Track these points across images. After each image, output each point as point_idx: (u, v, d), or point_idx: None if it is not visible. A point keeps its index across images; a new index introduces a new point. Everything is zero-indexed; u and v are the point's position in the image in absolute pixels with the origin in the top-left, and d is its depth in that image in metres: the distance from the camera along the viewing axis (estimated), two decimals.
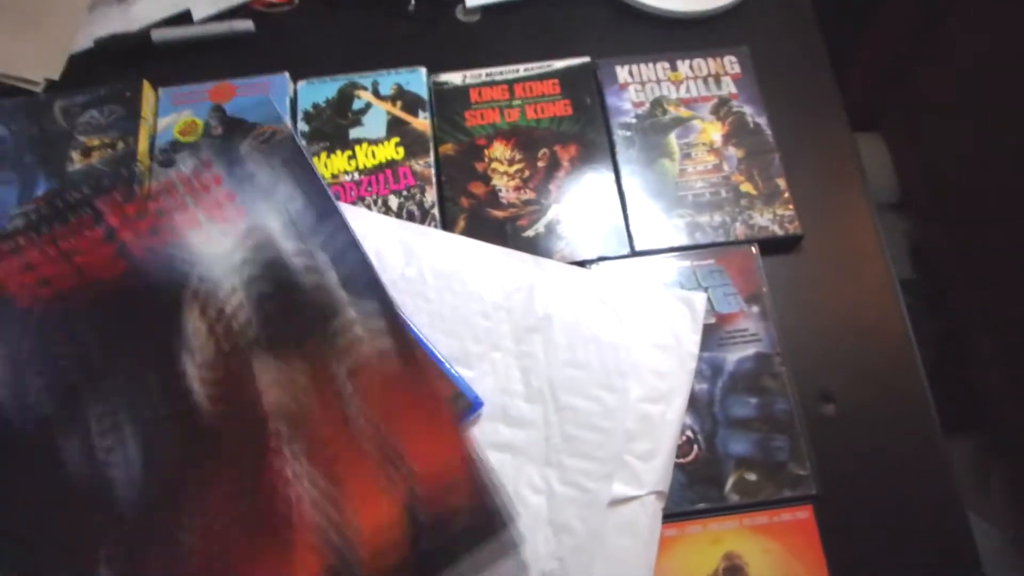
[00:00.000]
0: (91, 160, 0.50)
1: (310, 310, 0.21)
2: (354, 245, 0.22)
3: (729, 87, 0.55)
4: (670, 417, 0.44)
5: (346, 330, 0.21)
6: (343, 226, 0.22)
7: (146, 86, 0.53)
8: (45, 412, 0.19)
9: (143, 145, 0.51)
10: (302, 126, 0.52)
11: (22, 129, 0.52)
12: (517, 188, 0.51)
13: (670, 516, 0.43)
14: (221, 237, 0.21)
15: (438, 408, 0.22)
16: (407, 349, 0.22)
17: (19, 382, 0.20)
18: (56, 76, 0.56)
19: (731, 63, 0.56)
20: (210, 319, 0.21)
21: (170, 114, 0.52)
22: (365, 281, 0.21)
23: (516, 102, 0.53)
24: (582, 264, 0.48)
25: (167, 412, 0.20)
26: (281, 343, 0.21)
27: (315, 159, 0.51)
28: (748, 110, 0.54)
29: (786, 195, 0.51)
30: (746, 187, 0.52)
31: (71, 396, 0.20)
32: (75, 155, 0.50)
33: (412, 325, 0.44)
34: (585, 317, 0.46)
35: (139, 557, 0.19)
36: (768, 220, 0.50)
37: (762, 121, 0.54)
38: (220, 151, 0.23)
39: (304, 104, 0.53)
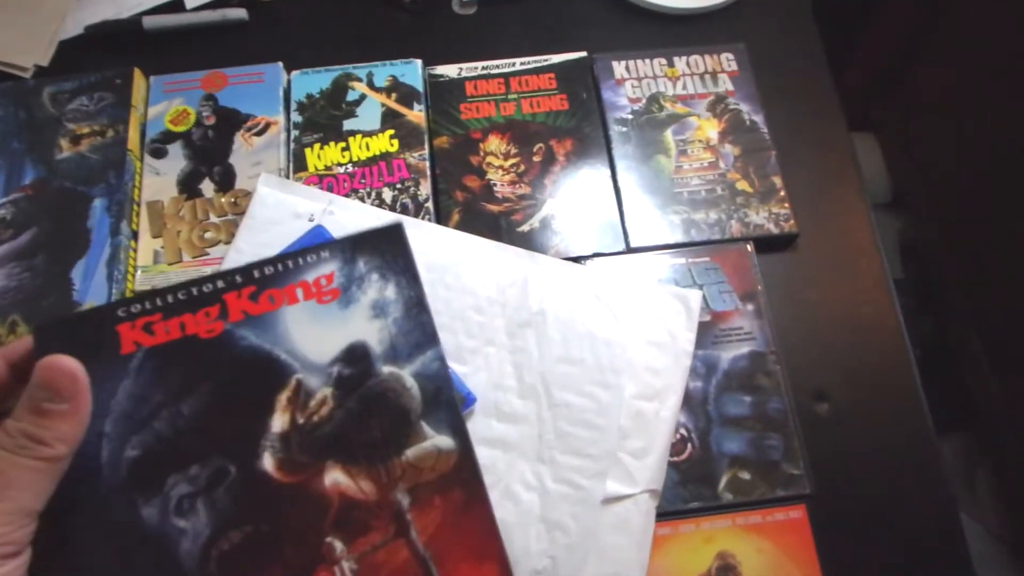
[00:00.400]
0: (80, 148, 0.48)
1: (389, 432, 0.22)
2: (444, 376, 0.23)
3: (726, 84, 0.54)
4: (664, 415, 0.42)
5: (418, 455, 0.22)
6: (438, 357, 0.23)
7: (137, 74, 0.51)
8: (131, 469, 0.21)
9: (133, 134, 0.49)
10: (295, 117, 0.50)
11: (9, 115, 0.50)
12: (512, 182, 0.49)
13: (663, 515, 0.41)
14: (323, 342, 0.23)
15: (492, 548, 0.23)
16: (472, 488, 0.23)
17: (115, 432, 0.21)
18: (45, 62, 0.54)
19: (728, 60, 0.55)
20: (296, 419, 0.22)
21: (161, 102, 0.50)
22: (447, 414, 0.23)
23: (512, 96, 0.52)
24: (577, 260, 0.47)
25: (239, 496, 0.21)
26: (353, 457, 0.22)
27: (308, 151, 0.49)
28: (745, 107, 0.53)
29: (782, 193, 0.50)
30: (742, 185, 0.50)
31: (159, 450, 0.21)
32: (64, 142, 0.48)
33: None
34: (580, 313, 0.44)
35: None
36: (764, 218, 0.49)
37: (758, 119, 0.53)
38: (342, 261, 0.24)
39: (297, 94, 0.51)
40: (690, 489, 0.42)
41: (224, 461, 0.21)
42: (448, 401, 0.24)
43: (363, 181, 0.49)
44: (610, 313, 0.45)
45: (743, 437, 0.44)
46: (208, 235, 0.47)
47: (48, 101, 0.50)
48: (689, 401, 0.44)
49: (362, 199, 0.48)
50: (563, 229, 0.48)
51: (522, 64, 0.53)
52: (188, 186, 0.48)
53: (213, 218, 0.47)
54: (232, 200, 0.48)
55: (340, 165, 0.49)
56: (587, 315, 0.44)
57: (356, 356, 0.23)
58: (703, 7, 0.57)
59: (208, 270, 0.46)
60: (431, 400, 0.23)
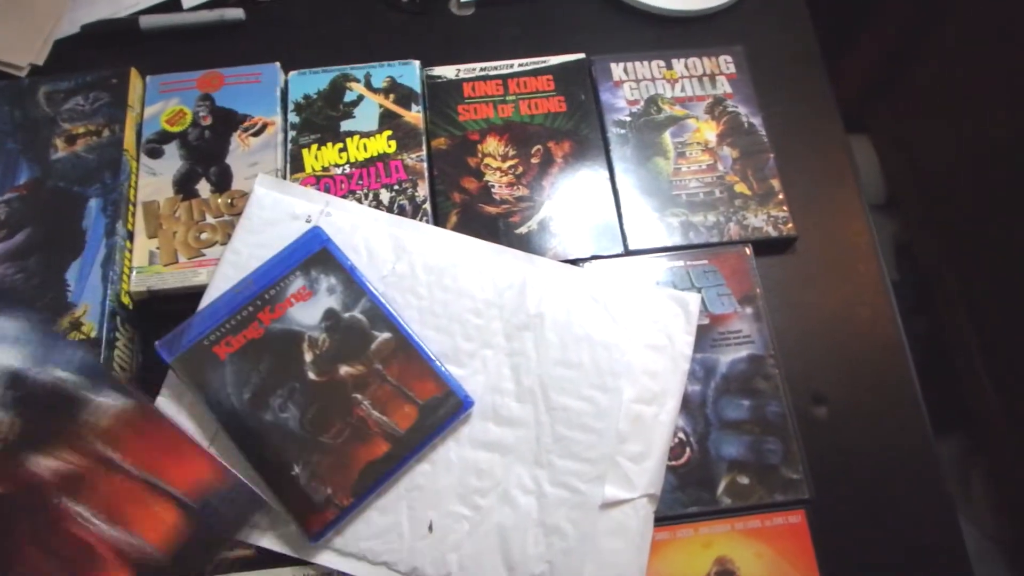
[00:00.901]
0: (75, 148, 0.47)
1: (62, 411, 0.36)
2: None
3: (724, 87, 0.53)
4: (663, 418, 0.41)
5: (98, 415, 0.31)
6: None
7: (133, 73, 0.50)
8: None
9: (129, 133, 0.48)
10: (292, 117, 0.49)
11: (4, 114, 0.48)
12: (510, 184, 0.48)
13: (662, 519, 0.40)
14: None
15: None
16: (150, 413, 0.36)
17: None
18: (40, 61, 0.52)
19: (726, 62, 0.53)
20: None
21: (157, 102, 0.49)
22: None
23: (510, 97, 0.51)
24: (575, 262, 0.46)
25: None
26: (45, 443, 0.31)
27: (305, 151, 0.48)
28: (743, 110, 0.52)
29: (780, 196, 0.49)
30: (740, 187, 0.49)
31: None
32: (59, 142, 0.47)
33: (402, 322, 0.42)
34: (577, 316, 0.43)
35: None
36: (762, 221, 0.48)
37: (756, 121, 0.51)
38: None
39: (295, 95, 0.50)
40: (688, 493, 0.41)
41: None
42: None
43: (360, 182, 0.47)
44: (608, 316, 0.43)
45: (742, 441, 0.43)
46: (204, 236, 0.45)
47: (43, 100, 0.49)
48: (687, 405, 0.43)
49: (359, 200, 0.47)
50: (561, 231, 0.47)
51: (520, 66, 0.52)
52: (184, 186, 0.47)
53: (209, 219, 0.46)
54: (228, 201, 0.46)
55: (337, 166, 0.48)
56: (585, 318, 0.43)
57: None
58: (701, 9, 0.56)
59: (204, 270, 0.44)
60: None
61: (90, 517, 0.28)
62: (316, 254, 0.42)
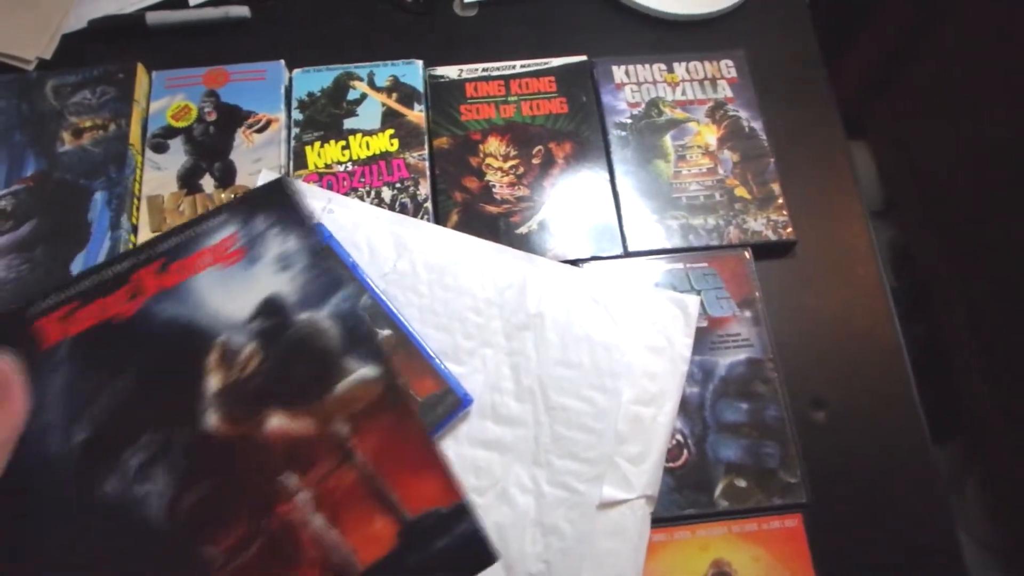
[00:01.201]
0: (82, 141, 0.47)
1: (315, 372, 0.23)
2: (357, 313, 0.25)
3: (725, 91, 0.52)
4: (661, 420, 0.41)
5: (347, 385, 0.24)
6: (348, 296, 0.24)
7: (140, 68, 0.49)
8: (83, 451, 0.22)
9: (135, 128, 0.48)
10: (296, 115, 0.49)
11: (12, 107, 0.48)
12: (511, 184, 0.48)
13: (659, 521, 0.40)
14: (238, 301, 0.23)
15: (430, 457, 0.25)
16: (402, 409, 0.24)
17: (57, 420, 0.21)
18: (48, 55, 0.52)
19: (727, 67, 0.53)
20: (228, 377, 0.23)
21: (163, 97, 0.49)
22: (367, 347, 0.24)
23: (512, 98, 0.50)
24: (574, 263, 0.45)
25: (192, 455, 0.22)
26: (289, 401, 0.23)
27: (308, 148, 0.48)
28: (743, 114, 0.51)
29: (780, 200, 0.49)
30: (740, 191, 0.49)
31: (105, 433, 0.22)
32: (66, 135, 0.47)
33: (403, 319, 0.41)
34: (577, 316, 0.43)
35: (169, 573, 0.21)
36: (762, 225, 0.48)
37: (757, 125, 0.51)
38: (240, 222, 0.25)
39: (299, 92, 0.49)
40: (686, 495, 0.41)
41: (171, 427, 0.22)
42: (365, 334, 0.25)
43: (363, 180, 0.47)
44: (608, 317, 0.43)
45: (740, 444, 0.42)
46: None
47: (51, 94, 0.49)
48: (685, 407, 0.43)
49: (361, 198, 0.46)
50: (561, 232, 0.47)
51: (522, 67, 0.51)
52: (188, 181, 0.47)
53: None
54: (232, 196, 0.46)
55: (340, 163, 0.47)
56: (585, 318, 0.43)
57: (272, 309, 0.24)
58: (702, 14, 0.56)
59: None
60: (350, 337, 0.24)
61: (309, 507, 0.22)
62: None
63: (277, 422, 0.23)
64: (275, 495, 0.22)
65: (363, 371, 0.24)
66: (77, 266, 0.43)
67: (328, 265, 0.25)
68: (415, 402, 0.25)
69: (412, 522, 0.23)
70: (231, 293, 0.24)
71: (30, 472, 0.20)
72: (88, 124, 0.47)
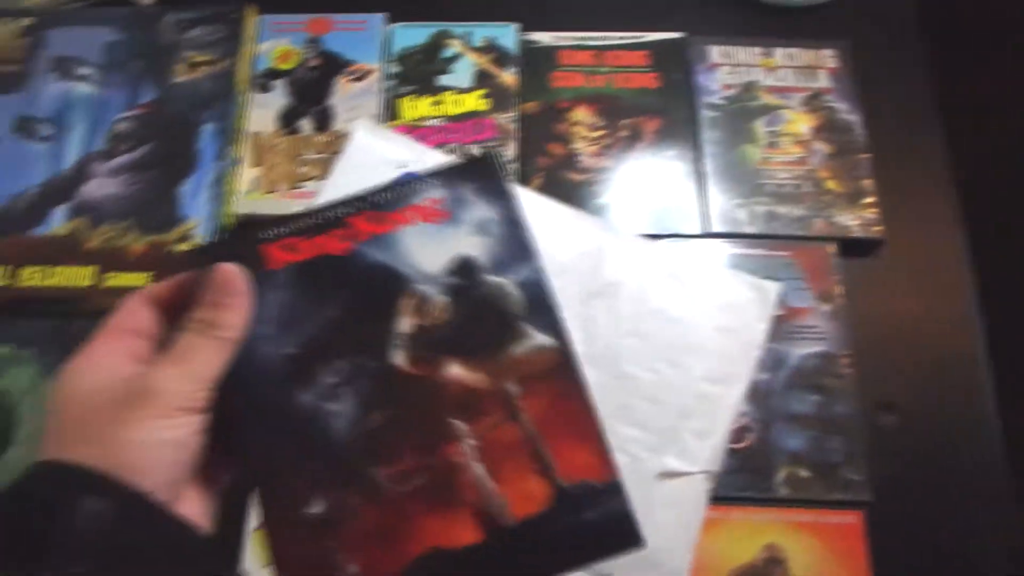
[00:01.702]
0: (195, 75, 0.49)
1: (497, 332, 0.25)
2: (542, 285, 0.26)
3: (824, 81, 0.50)
4: (729, 400, 0.40)
5: (522, 347, 0.25)
6: (536, 268, 0.26)
7: (250, 10, 0.51)
8: (287, 364, 0.24)
9: (243, 67, 0.49)
10: (392, 68, 0.50)
11: (133, 39, 0.50)
12: (596, 154, 0.48)
13: (715, 499, 0.39)
14: (436, 256, 0.26)
15: (589, 422, 0.25)
16: (572, 380, 0.25)
17: (271, 333, 0.25)
18: None
19: (829, 57, 0.51)
20: (418, 322, 0.25)
21: (269, 40, 0.51)
22: (547, 317, 0.26)
23: (603, 69, 0.50)
24: (653, 238, 0.45)
25: (377, 385, 0.25)
26: (468, 353, 0.25)
27: (402, 101, 0.49)
28: (841, 106, 0.50)
29: (872, 197, 0.47)
30: (831, 184, 0.47)
31: (307, 352, 0.25)
32: (180, 68, 0.49)
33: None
34: (653, 289, 0.42)
35: (343, 494, 0.24)
36: (850, 220, 0.46)
37: (854, 119, 0.49)
38: (447, 187, 0.27)
39: (396, 47, 0.50)
40: (745, 478, 0.40)
41: (363, 356, 0.25)
42: (547, 306, 0.26)
43: (452, 136, 0.48)
44: (684, 293, 0.43)
45: (805, 435, 0.41)
46: (303, 170, 0.46)
47: (169, 29, 0.51)
48: (754, 392, 0.42)
49: (449, 154, 0.47)
50: (642, 205, 0.46)
51: (617, 39, 0.51)
52: (288, 122, 0.48)
53: (309, 154, 0.47)
54: (327, 140, 0.47)
55: (431, 118, 0.48)
56: (660, 293, 0.42)
57: (465, 268, 0.26)
58: (808, 2, 0.54)
59: (301, 202, 0.46)
60: (532, 305, 0.25)
61: (470, 451, 0.23)
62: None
63: (455, 370, 0.25)
64: (443, 436, 0.24)
65: (541, 338, 0.25)
66: (185, 190, 0.46)
67: (521, 237, 0.26)
68: (583, 379, 0.25)
69: (566, 488, 0.24)
70: (431, 248, 0.26)
71: (244, 373, 0.24)
72: (201, 59, 0.49)
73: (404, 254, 0.25)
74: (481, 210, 0.26)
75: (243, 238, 0.25)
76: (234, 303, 0.24)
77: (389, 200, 0.26)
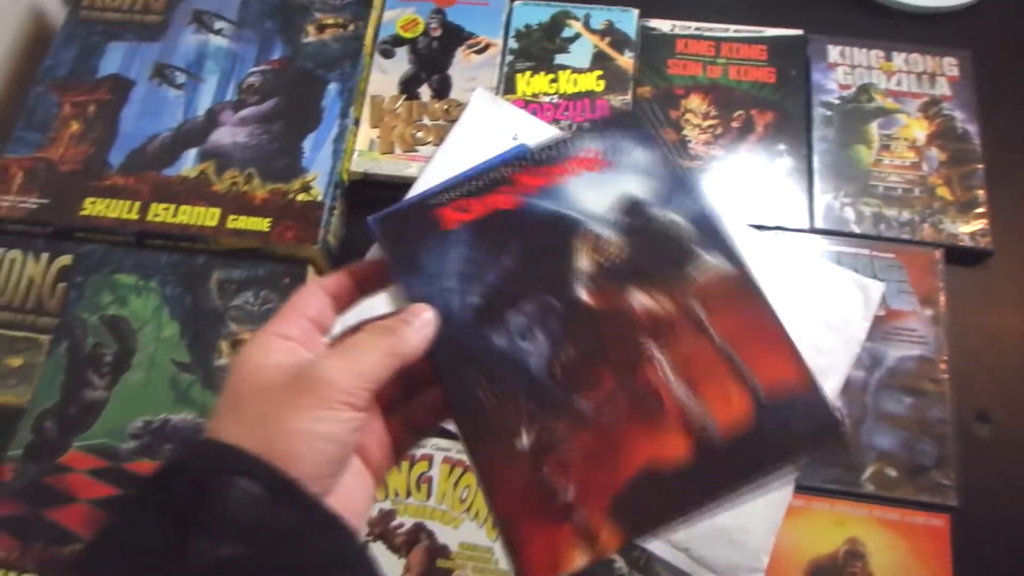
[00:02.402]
0: (323, 36, 0.52)
1: (673, 258, 0.27)
2: (709, 214, 0.27)
3: (943, 88, 0.50)
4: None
5: (700, 271, 0.26)
6: (699, 199, 0.28)
7: None
8: (475, 313, 0.26)
9: (370, 31, 0.52)
10: (512, 43, 0.51)
11: None
12: (707, 143, 0.49)
13: (800, 488, 0.40)
14: (601, 200, 0.27)
15: (778, 334, 0.26)
16: (754, 295, 0.26)
17: (456, 287, 0.26)
18: None
19: (950, 65, 0.51)
20: (595, 259, 0.27)
21: (395, 8, 0.53)
22: (718, 241, 0.27)
23: (720, 60, 0.51)
24: (759, 229, 0.46)
25: (565, 321, 0.26)
26: (648, 280, 0.26)
27: (519, 76, 0.51)
28: (959, 115, 0.49)
29: (983, 208, 0.47)
30: (942, 191, 0.47)
31: (492, 299, 0.26)
32: (310, 29, 0.52)
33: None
34: (758, 278, 0.44)
35: (550, 423, 0.25)
36: (959, 229, 0.46)
37: (972, 129, 0.49)
38: (601, 138, 0.29)
39: (517, 23, 0.52)
40: (832, 471, 0.41)
41: (547, 296, 0.26)
42: (719, 233, 0.27)
43: (566, 113, 0.49)
44: (786, 283, 0.44)
45: (896, 435, 0.42)
46: (419, 135, 0.49)
47: None
48: (848, 388, 0.42)
49: (563, 130, 0.49)
50: (751, 197, 0.47)
51: (736, 31, 0.52)
52: (408, 88, 0.50)
53: (426, 120, 0.49)
54: (445, 108, 0.50)
55: (547, 95, 0.50)
56: (763, 281, 0.44)
57: (633, 206, 0.27)
58: (934, 7, 0.53)
59: (416, 165, 0.48)
60: (704, 232, 0.27)
61: (668, 370, 0.24)
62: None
63: (639, 299, 0.26)
64: (639, 358, 0.25)
65: (717, 262, 0.26)
66: (308, 145, 0.49)
67: (681, 174, 0.28)
68: (763, 293, 0.26)
69: (766, 395, 0.25)
70: (597, 193, 0.28)
71: (442, 325, 0.26)
72: (330, 21, 0.52)
73: (573, 201, 0.27)
74: (638, 155, 0.28)
75: (421, 204, 0.27)
76: (417, 324, 0.25)
77: (550, 156, 0.27)
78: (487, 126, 0.48)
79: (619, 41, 0.51)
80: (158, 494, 0.21)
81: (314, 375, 0.22)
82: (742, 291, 0.26)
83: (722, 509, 0.24)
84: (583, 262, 0.26)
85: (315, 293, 0.25)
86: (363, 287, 0.26)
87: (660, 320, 0.25)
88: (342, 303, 0.26)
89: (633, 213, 0.27)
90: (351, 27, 0.51)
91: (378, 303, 0.28)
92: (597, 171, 0.27)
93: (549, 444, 0.24)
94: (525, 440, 0.24)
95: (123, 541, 0.20)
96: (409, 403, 0.26)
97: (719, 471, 0.24)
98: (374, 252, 0.45)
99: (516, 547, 0.24)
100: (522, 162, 0.28)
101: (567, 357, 0.25)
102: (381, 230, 0.27)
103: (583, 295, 0.26)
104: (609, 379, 0.25)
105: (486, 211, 0.27)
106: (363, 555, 0.22)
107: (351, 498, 0.24)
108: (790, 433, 0.24)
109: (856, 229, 0.46)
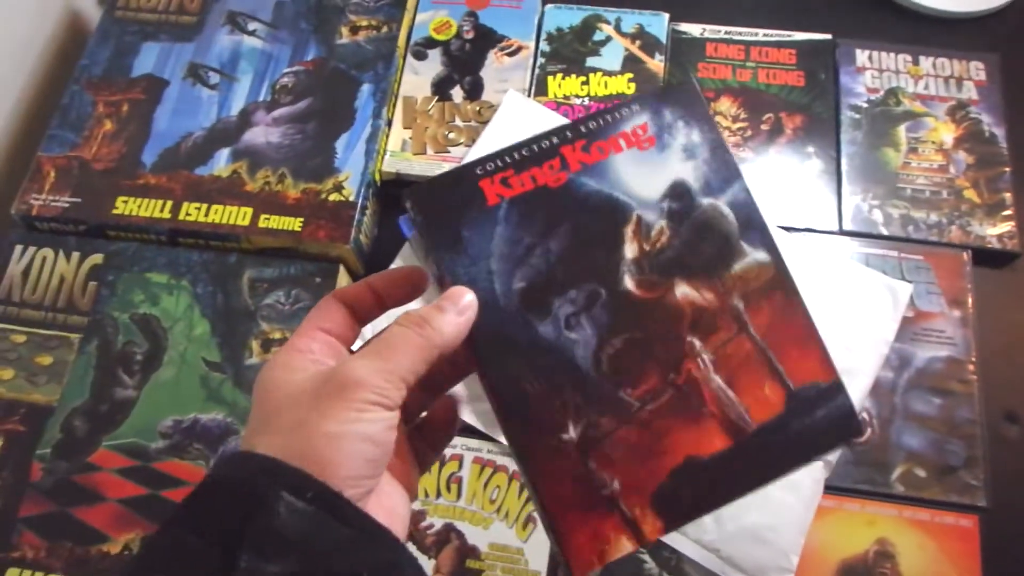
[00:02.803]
0: (357, 37, 0.52)
1: (717, 251, 0.26)
2: (752, 204, 0.27)
3: (970, 92, 0.51)
4: (852, 392, 0.42)
5: (744, 268, 0.26)
6: (744, 188, 0.27)
7: None
8: (521, 298, 0.25)
9: (403, 33, 0.53)
10: (543, 46, 0.52)
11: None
12: (736, 145, 0.49)
13: (830, 488, 0.41)
14: (650, 182, 0.26)
15: (810, 333, 0.27)
16: (789, 291, 0.27)
17: (501, 268, 0.25)
18: None
19: (977, 69, 0.52)
20: (644, 248, 0.26)
21: (429, 11, 0.54)
22: (759, 234, 0.27)
23: (750, 64, 0.52)
24: (787, 231, 0.47)
25: (612, 311, 0.25)
26: (694, 274, 0.26)
27: (550, 78, 0.51)
28: (986, 119, 0.50)
29: (1011, 210, 0.47)
30: (970, 194, 0.48)
31: (538, 284, 0.25)
32: (344, 30, 0.53)
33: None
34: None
35: (595, 415, 0.25)
36: (987, 231, 0.47)
37: (999, 132, 0.50)
38: (651, 112, 0.28)
39: (549, 26, 0.53)
40: (862, 471, 0.42)
41: (594, 284, 0.26)
42: (759, 223, 0.27)
43: None
44: (816, 284, 0.44)
45: (925, 435, 0.43)
46: (451, 135, 0.50)
47: None
48: (877, 388, 0.43)
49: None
50: (779, 199, 0.48)
51: (765, 35, 0.52)
52: (440, 89, 0.51)
53: (458, 121, 0.50)
54: (477, 109, 0.50)
55: (578, 97, 0.51)
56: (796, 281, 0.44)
57: (679, 192, 0.27)
58: (960, 12, 0.54)
59: (447, 166, 0.49)
60: (744, 223, 0.27)
61: (710, 365, 0.25)
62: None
63: (683, 291, 0.26)
64: (682, 354, 0.25)
65: (757, 254, 0.26)
66: (340, 145, 0.50)
67: (726, 159, 0.27)
68: (797, 289, 0.27)
69: (796, 391, 0.26)
70: (644, 174, 0.26)
71: (483, 309, 0.25)
72: (365, 23, 0.53)
73: (618, 181, 0.26)
74: (685, 134, 0.27)
75: (461, 175, 0.26)
76: (453, 310, 0.23)
77: (599, 127, 0.26)
78: (518, 128, 0.49)
79: (650, 44, 0.52)
80: (204, 511, 0.21)
81: (342, 377, 0.22)
82: (780, 288, 0.26)
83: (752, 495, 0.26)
84: (630, 250, 0.25)
85: (332, 305, 0.25)
86: (387, 299, 0.25)
87: (703, 314, 0.25)
88: (363, 315, 0.25)
89: (682, 200, 0.26)
90: (384, 29, 0.52)
91: (412, 303, 0.26)
92: (644, 149, 0.26)
93: (595, 438, 0.24)
94: (572, 433, 0.24)
95: (172, 558, 0.20)
96: (426, 413, 0.26)
97: (752, 464, 0.25)
98: (402, 257, 0.45)
99: (563, 538, 0.24)
100: (570, 133, 0.26)
101: (613, 349, 0.25)
102: (418, 205, 0.25)
103: (630, 285, 0.25)
104: (654, 373, 0.25)
105: (530, 186, 0.25)
106: (412, 564, 0.22)
107: (393, 509, 0.24)
108: (814, 429, 0.25)
109: (884, 231, 0.47)
